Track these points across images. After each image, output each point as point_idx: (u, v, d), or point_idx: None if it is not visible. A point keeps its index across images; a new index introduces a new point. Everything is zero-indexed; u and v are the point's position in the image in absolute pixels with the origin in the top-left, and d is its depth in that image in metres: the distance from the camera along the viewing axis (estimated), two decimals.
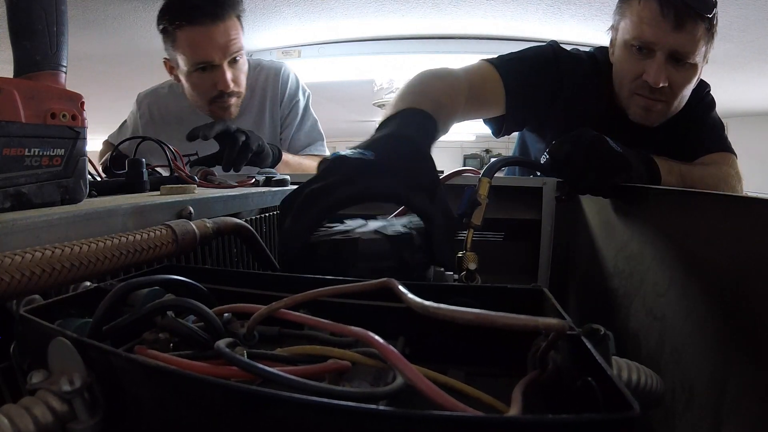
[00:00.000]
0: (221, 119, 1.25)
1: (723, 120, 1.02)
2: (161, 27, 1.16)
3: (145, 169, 0.69)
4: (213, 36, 1.13)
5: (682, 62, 0.87)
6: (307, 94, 1.38)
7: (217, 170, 0.85)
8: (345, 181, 0.45)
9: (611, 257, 0.71)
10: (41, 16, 0.45)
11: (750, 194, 0.45)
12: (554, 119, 1.01)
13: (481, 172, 0.72)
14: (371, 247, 0.44)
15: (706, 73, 0.97)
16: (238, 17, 1.19)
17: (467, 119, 0.94)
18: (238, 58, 1.20)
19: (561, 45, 1.02)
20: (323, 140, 1.38)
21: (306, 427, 0.19)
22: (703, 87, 1.01)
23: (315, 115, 1.39)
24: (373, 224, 0.50)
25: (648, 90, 0.89)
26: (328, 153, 1.32)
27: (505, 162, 0.73)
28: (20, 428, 0.21)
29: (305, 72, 2.76)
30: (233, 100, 1.24)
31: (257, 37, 2.31)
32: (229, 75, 1.18)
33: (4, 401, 0.23)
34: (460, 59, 2.45)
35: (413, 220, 0.52)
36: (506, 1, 1.94)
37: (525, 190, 0.91)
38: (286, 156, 1.05)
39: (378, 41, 2.44)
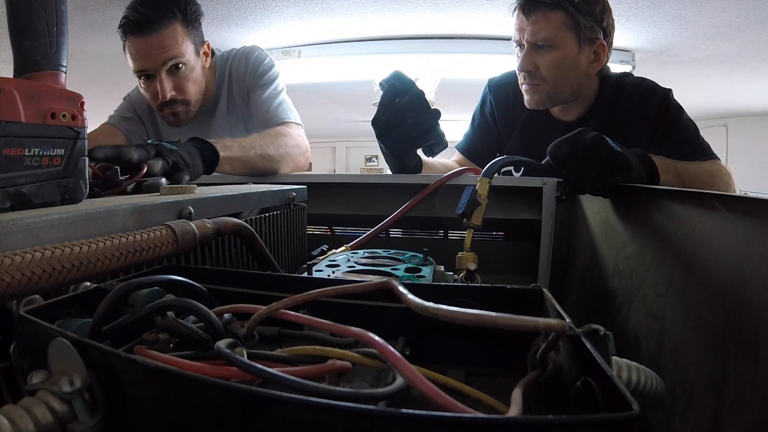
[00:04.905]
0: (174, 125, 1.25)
1: (723, 120, 1.03)
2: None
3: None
4: (146, 46, 1.12)
5: (545, 47, 1.02)
6: (274, 70, 1.33)
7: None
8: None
9: (611, 257, 0.71)
10: (41, 16, 0.45)
11: (750, 194, 0.45)
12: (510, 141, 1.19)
13: (481, 172, 0.72)
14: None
15: (705, 73, 0.97)
16: (184, 22, 1.16)
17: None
18: (179, 65, 1.17)
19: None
20: (286, 106, 1.30)
21: (306, 427, 0.19)
22: (661, 91, 1.05)
23: (279, 87, 1.32)
24: None
25: (523, 77, 1.08)
26: (292, 118, 1.27)
27: (505, 162, 0.73)
28: (20, 429, 0.21)
29: (305, 72, 2.77)
30: (180, 108, 1.22)
31: (257, 37, 2.31)
32: (167, 84, 1.16)
33: (4, 401, 0.23)
34: (460, 59, 2.45)
35: None
36: (507, 0, 1.94)
37: (525, 190, 0.90)
38: (228, 152, 0.94)
39: (378, 41, 2.44)
